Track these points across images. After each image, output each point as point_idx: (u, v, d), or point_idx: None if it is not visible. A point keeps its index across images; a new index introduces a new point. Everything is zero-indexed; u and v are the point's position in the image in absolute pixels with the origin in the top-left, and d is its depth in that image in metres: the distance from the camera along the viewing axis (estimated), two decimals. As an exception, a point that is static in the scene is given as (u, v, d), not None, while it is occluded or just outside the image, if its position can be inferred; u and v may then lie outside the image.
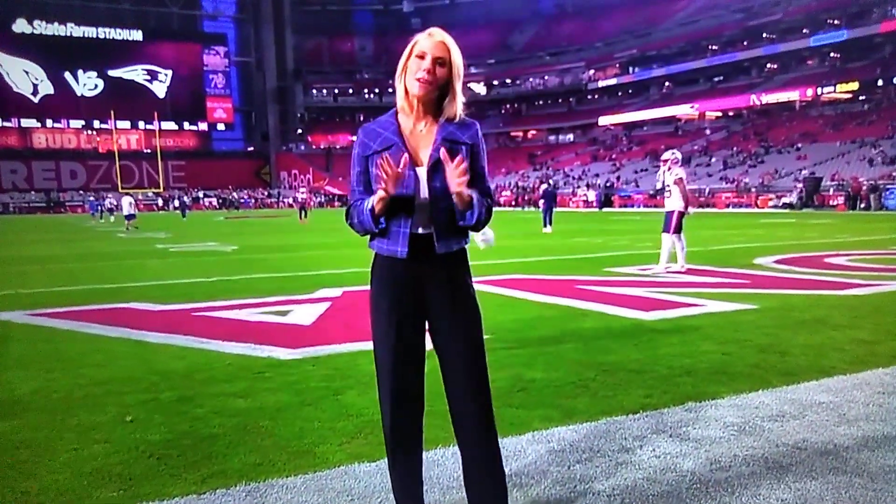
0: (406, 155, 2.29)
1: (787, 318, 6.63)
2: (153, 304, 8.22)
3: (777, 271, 10.36)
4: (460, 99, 2.40)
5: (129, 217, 30.56)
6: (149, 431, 3.79)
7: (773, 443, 3.43)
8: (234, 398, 4.36)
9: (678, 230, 10.81)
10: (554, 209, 23.27)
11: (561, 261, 12.68)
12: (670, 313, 6.99)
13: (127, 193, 44.04)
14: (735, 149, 59.18)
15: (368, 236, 2.49)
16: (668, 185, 10.93)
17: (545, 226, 22.23)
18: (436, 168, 2.31)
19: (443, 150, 2.27)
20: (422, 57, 2.30)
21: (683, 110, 69.56)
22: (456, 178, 2.23)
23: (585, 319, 6.81)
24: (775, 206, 41.29)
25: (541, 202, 25.63)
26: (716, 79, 71.31)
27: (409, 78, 2.33)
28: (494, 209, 2.55)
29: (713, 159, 58.88)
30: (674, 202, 10.92)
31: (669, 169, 10.95)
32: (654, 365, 4.96)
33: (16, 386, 4.76)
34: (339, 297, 8.47)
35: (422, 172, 2.33)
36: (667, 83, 75.91)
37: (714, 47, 70.45)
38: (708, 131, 67.87)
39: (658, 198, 50.47)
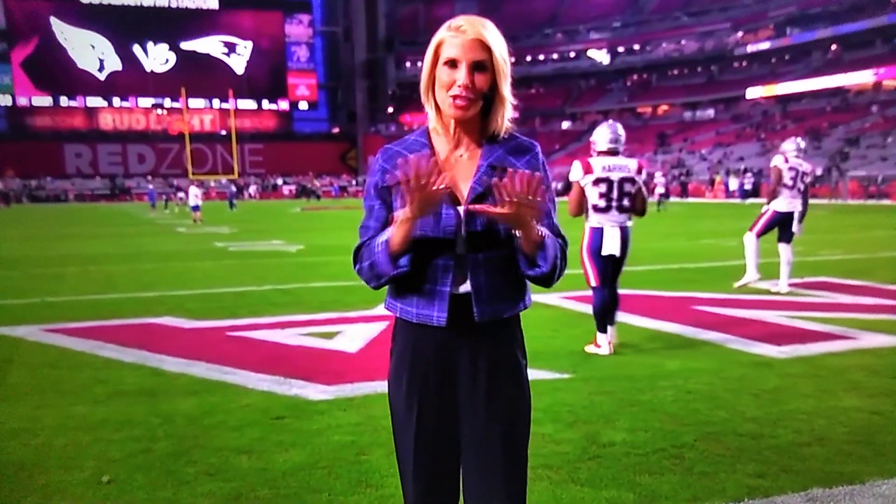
0: (435, 158, 1.86)
1: (967, 361, 5.92)
2: (187, 320, 8.24)
3: (961, 290, 9.46)
4: (509, 105, 2.01)
5: (195, 209, 31.61)
6: (122, 498, 3.63)
7: (926, 559, 2.91)
8: (237, 454, 4.16)
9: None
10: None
11: (679, 270, 12.02)
12: (808, 349, 6.39)
13: (193, 182, 45.63)
14: (919, 127, 55.81)
15: (388, 294, 2.13)
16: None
17: None
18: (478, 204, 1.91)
19: (494, 180, 1.83)
20: (453, 65, 1.93)
21: (855, 79, 66.04)
22: (506, 200, 1.79)
23: (696, 355, 6.29)
24: (969, 198, 38.66)
25: None
26: (897, 40, 67.45)
27: (441, 93, 1.97)
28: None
29: (889, 139, 55.67)
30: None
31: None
32: (775, 427, 4.43)
33: (-5, 427, 4.72)
34: (401, 316, 8.25)
35: (462, 211, 1.94)
36: (833, 46, 72.39)
37: (897, 1, 66.62)
38: (875, 108, 64.00)
39: (817, 186, 48.30)
